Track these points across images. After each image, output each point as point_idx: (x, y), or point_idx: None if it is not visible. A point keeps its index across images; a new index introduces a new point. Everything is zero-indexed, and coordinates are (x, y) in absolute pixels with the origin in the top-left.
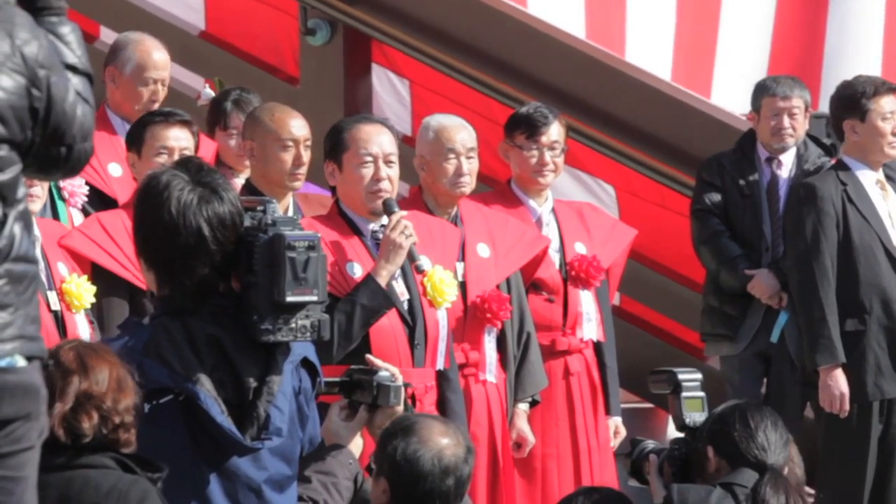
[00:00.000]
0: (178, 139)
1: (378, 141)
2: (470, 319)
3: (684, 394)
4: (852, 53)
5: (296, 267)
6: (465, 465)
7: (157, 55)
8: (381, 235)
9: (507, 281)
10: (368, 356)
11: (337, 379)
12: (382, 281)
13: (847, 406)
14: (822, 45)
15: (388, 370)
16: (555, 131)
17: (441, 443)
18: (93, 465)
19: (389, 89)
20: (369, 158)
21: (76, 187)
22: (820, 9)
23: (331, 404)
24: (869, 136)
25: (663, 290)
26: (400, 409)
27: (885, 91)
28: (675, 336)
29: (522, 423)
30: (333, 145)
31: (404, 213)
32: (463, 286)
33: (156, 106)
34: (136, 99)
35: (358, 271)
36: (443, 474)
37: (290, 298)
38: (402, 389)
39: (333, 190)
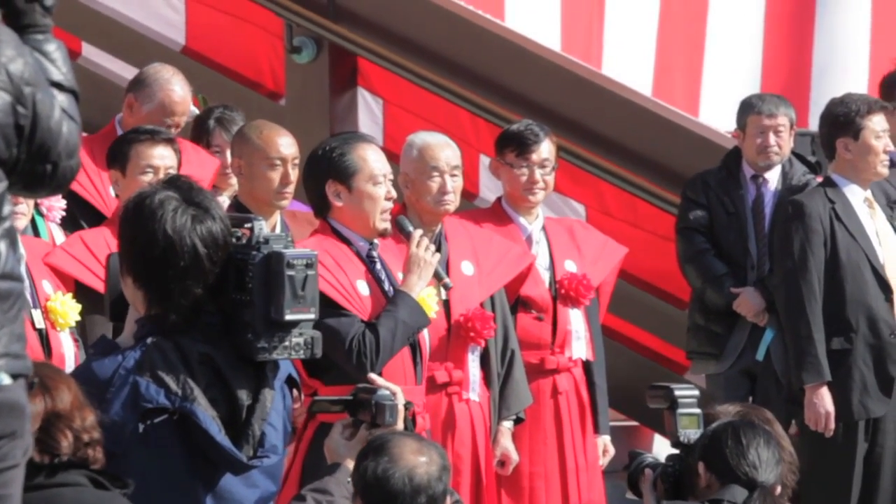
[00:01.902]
0: (164, 158)
1: (383, 160)
2: (454, 338)
3: (680, 410)
4: (840, 70)
5: (294, 285)
6: (438, 482)
7: (179, 103)
8: (374, 253)
9: (492, 298)
10: (371, 375)
11: (342, 397)
12: (415, 297)
13: (832, 424)
14: (811, 62)
15: (388, 389)
16: (545, 149)
17: (412, 461)
18: (67, 483)
19: (363, 107)
20: (382, 179)
21: (53, 202)
22: (806, 26)
23: (335, 422)
24: (862, 155)
25: (642, 307)
26: (398, 427)
27: (878, 109)
28: (657, 353)
29: (507, 441)
30: (340, 166)
31: (420, 230)
32: (447, 304)
33: None
34: None
35: (364, 290)
36: (414, 493)
37: (288, 317)
38: (398, 408)
39: (318, 210)
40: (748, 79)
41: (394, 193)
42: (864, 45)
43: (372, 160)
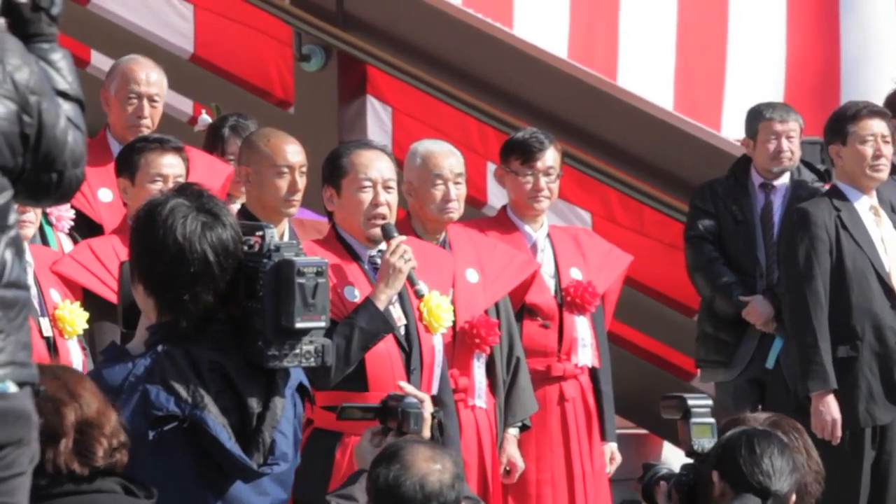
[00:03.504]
0: (173, 166)
1: (377, 166)
2: (459, 345)
3: (693, 419)
4: (870, 76)
5: (305, 293)
6: (451, 490)
7: (141, 71)
8: (378, 261)
9: (496, 306)
10: (400, 382)
11: (372, 405)
12: (381, 305)
13: (839, 432)
14: (839, 71)
15: (416, 397)
16: (550, 157)
17: (425, 468)
18: (103, 490)
19: (372, 115)
20: (368, 183)
21: (63, 212)
22: (832, 34)
23: (365, 429)
24: (851, 160)
25: (649, 314)
26: (424, 435)
27: (866, 114)
28: (664, 360)
29: (512, 449)
30: (332, 170)
31: (404, 237)
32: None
33: (146, 123)
34: (123, 118)
35: (357, 296)
36: (425, 500)
37: (299, 324)
38: (423, 416)
39: (330, 215)
40: (771, 87)
41: (383, 199)
42: (894, 49)
43: (361, 165)
